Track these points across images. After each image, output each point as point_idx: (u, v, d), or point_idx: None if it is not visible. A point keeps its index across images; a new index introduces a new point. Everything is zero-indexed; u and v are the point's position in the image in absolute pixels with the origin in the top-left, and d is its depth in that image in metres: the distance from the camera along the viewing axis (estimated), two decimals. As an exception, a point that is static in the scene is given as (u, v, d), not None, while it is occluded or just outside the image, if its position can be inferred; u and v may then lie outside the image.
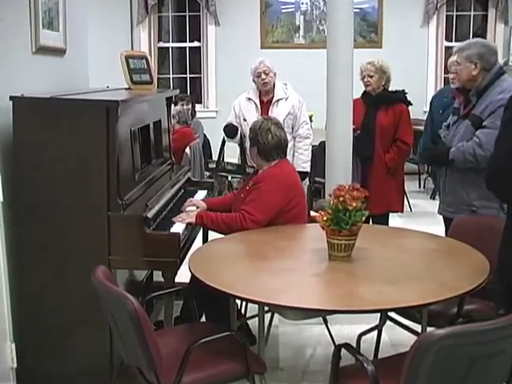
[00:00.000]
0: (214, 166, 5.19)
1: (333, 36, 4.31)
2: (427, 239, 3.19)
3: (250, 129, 3.56)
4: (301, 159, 4.82)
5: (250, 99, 4.86)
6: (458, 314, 2.79)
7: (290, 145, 4.75)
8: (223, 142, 5.09)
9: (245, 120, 4.77)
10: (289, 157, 4.68)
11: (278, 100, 4.80)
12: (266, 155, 3.46)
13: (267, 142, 3.44)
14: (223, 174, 5.17)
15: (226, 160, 5.19)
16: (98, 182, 2.91)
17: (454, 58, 4.07)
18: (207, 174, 5.42)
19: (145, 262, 2.99)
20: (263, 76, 4.74)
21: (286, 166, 3.53)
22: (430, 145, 5.19)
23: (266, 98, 4.83)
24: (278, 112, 4.72)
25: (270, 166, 3.46)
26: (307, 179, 4.89)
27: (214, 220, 3.31)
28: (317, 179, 5.88)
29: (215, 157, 7.11)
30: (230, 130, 4.79)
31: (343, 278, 2.58)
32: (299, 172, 4.79)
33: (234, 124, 4.82)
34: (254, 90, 4.88)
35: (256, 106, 4.82)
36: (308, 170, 4.88)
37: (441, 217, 3.78)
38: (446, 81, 8.87)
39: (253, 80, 4.83)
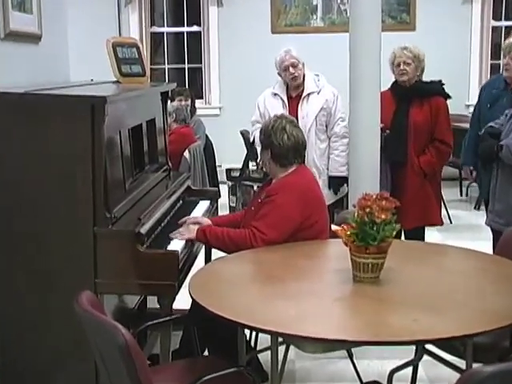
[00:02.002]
0: (238, 174, 5.21)
1: (356, 17, 4.33)
2: (471, 257, 3.19)
3: (261, 130, 3.57)
4: (338, 162, 4.85)
5: (276, 95, 4.90)
6: (511, 348, 2.79)
7: (323, 146, 4.81)
8: (250, 148, 5.10)
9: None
10: (323, 160, 4.74)
11: (308, 94, 4.83)
12: (281, 159, 3.47)
13: (282, 143, 3.45)
14: (248, 183, 5.19)
15: (250, 168, 5.21)
16: (82, 193, 2.94)
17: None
18: (229, 183, 5.44)
19: (137, 286, 3.01)
20: (291, 70, 4.77)
21: (305, 174, 3.53)
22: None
23: (294, 93, 4.87)
24: (308, 108, 4.77)
25: (286, 175, 3.47)
26: (345, 186, 4.88)
27: (218, 236, 3.32)
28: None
29: (219, 160, 7.19)
30: None
31: (371, 304, 2.58)
32: (336, 177, 4.83)
33: None
34: (280, 84, 4.93)
35: (283, 102, 4.86)
36: (346, 174, 4.87)
37: (488, 230, 3.78)
38: (494, 68, 8.91)
39: (278, 74, 4.88)
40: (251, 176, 5.10)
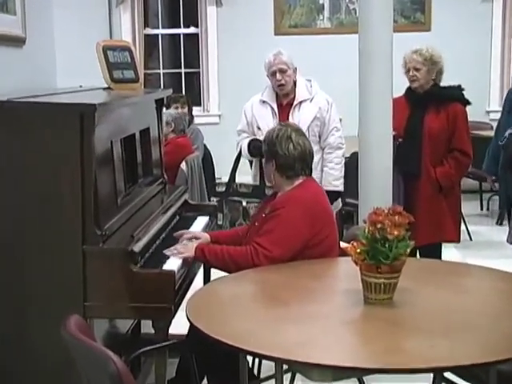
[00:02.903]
0: (224, 189, 5.21)
1: (366, 17, 4.35)
2: (493, 277, 3.19)
3: (265, 140, 3.57)
4: (331, 175, 4.85)
5: (264, 102, 4.88)
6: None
7: (316, 158, 4.80)
8: (237, 160, 5.10)
9: (259, 128, 4.80)
10: (316, 173, 4.72)
11: (300, 102, 4.81)
12: (287, 171, 3.48)
13: (288, 153, 3.45)
14: (236, 198, 5.18)
15: (238, 181, 5.21)
16: (70, 208, 2.95)
17: None
18: (214, 199, 5.45)
19: (130, 309, 3.01)
20: (278, 76, 4.74)
21: (312, 187, 3.54)
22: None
23: (285, 100, 4.86)
24: (300, 117, 4.75)
25: (292, 187, 3.48)
26: (339, 201, 4.89)
27: (218, 254, 3.33)
28: (348, 200, 5.89)
29: (218, 173, 7.20)
30: (256, 147, 4.73)
31: (383, 328, 2.58)
32: (329, 192, 4.81)
33: (260, 139, 4.83)
34: (269, 90, 4.90)
35: (273, 110, 4.84)
36: (341, 188, 4.89)
37: (511, 247, 3.78)
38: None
39: (267, 75, 4.87)
40: (239, 190, 5.08)
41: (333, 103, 4.87)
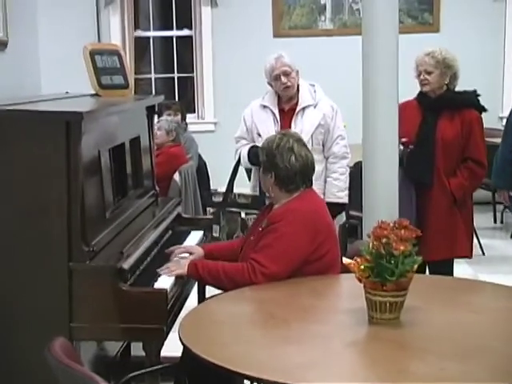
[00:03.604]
0: (221, 199, 5.21)
1: (370, 18, 4.35)
2: (506, 295, 3.19)
3: (263, 149, 3.56)
4: (336, 186, 4.85)
5: (265, 107, 4.89)
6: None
7: (319, 168, 4.81)
8: (235, 169, 5.11)
9: (259, 135, 4.79)
10: (319, 184, 4.74)
11: (303, 108, 4.82)
12: (287, 184, 3.47)
13: (289, 165, 3.44)
14: (234, 209, 5.19)
15: (236, 191, 5.21)
16: (56, 223, 2.96)
17: None
18: (210, 210, 5.46)
19: (119, 331, 3.01)
20: (283, 79, 4.75)
21: (312, 199, 3.54)
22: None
23: (287, 106, 4.87)
24: (303, 124, 4.76)
25: (290, 199, 3.48)
26: (343, 214, 4.89)
27: (212, 271, 3.33)
28: (352, 213, 5.90)
29: (214, 184, 7.20)
30: (256, 155, 4.73)
31: (389, 350, 2.58)
32: (333, 204, 4.82)
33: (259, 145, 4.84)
34: (270, 95, 4.91)
35: (274, 116, 4.85)
36: (345, 200, 4.88)
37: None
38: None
39: (268, 83, 4.88)
40: (237, 201, 5.08)
41: (338, 110, 4.88)
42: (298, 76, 4.84)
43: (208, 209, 5.70)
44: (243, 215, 5.20)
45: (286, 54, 4.82)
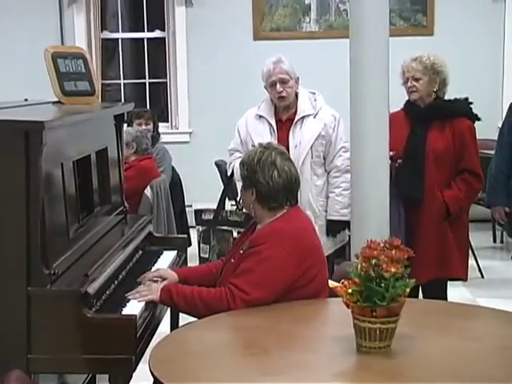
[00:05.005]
0: (212, 216, 5.21)
1: (359, 19, 4.38)
2: (507, 321, 3.19)
3: (243, 163, 3.56)
4: (339, 203, 4.87)
5: (261, 117, 4.91)
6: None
7: (320, 182, 4.82)
8: (227, 184, 5.11)
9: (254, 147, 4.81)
10: (320, 199, 4.75)
11: (302, 117, 4.85)
12: (270, 201, 3.46)
13: (272, 182, 3.43)
14: (226, 227, 5.18)
15: (227, 208, 5.22)
16: (14, 243, 2.94)
17: None
18: (200, 228, 5.46)
19: (83, 362, 2.99)
20: (278, 88, 4.77)
21: (298, 218, 3.53)
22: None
23: (285, 116, 4.90)
24: (302, 135, 4.78)
25: (274, 219, 3.47)
26: (347, 232, 4.88)
27: (187, 297, 3.32)
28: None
29: (189, 199, 7.19)
30: None
31: (379, 380, 2.58)
32: (336, 221, 4.83)
33: None
34: (267, 104, 4.94)
35: (270, 126, 4.87)
36: (349, 218, 4.88)
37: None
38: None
39: (265, 87, 4.90)
40: (229, 219, 5.07)
41: (340, 120, 4.90)
42: (298, 84, 4.86)
43: (197, 227, 5.72)
44: (235, 234, 5.21)
45: (284, 60, 4.82)
